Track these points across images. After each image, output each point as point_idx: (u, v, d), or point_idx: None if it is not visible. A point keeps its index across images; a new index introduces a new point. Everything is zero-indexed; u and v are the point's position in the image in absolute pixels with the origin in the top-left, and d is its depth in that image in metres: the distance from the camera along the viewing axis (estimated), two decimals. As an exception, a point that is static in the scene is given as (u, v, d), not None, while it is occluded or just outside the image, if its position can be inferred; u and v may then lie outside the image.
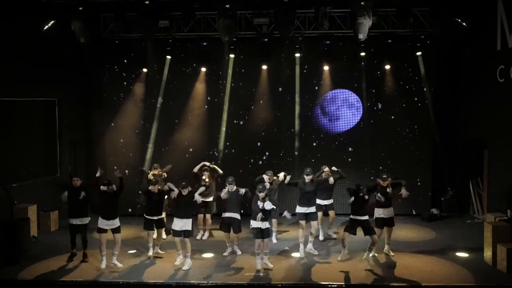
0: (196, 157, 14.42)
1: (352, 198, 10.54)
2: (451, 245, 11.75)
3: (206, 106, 14.78)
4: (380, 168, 14.48)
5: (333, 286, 9.52)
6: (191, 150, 14.72)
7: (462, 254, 11.14)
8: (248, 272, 10.12)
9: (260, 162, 14.48)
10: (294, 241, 12.07)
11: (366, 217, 10.51)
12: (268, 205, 9.98)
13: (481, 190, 14.43)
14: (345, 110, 14.63)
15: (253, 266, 10.31)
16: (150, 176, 12.26)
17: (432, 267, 10.38)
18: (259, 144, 14.73)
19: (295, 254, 11.22)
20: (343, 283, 9.56)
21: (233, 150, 14.72)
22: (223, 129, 14.69)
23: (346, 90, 14.64)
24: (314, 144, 14.67)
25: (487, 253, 10.61)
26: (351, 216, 10.65)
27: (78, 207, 10.77)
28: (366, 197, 10.44)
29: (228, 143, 14.72)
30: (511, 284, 9.58)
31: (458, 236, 12.57)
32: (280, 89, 14.62)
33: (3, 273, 10.10)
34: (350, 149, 14.60)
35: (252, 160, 14.57)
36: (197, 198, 10.61)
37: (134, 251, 11.50)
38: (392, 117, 14.58)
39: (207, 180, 12.27)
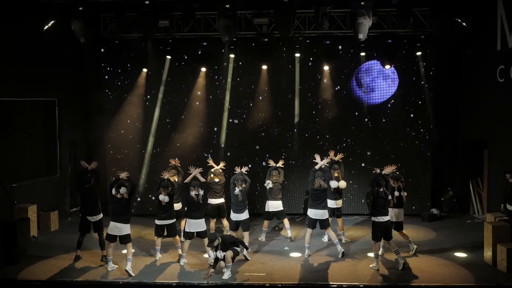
0: (196, 156, 14.44)
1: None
2: (451, 245, 11.75)
3: (206, 106, 14.76)
4: (377, 168, 14.48)
5: (333, 286, 9.52)
6: (191, 149, 14.72)
7: (462, 254, 11.14)
8: (249, 272, 10.12)
9: (260, 168, 14.42)
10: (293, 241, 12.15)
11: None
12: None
13: (481, 190, 14.42)
14: (381, 81, 14.51)
15: (254, 266, 10.40)
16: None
17: (432, 267, 10.38)
18: (257, 147, 14.72)
19: (295, 254, 11.24)
20: (343, 283, 9.56)
21: (231, 152, 14.70)
22: (223, 129, 14.69)
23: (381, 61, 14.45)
24: (313, 144, 14.60)
25: (487, 253, 10.61)
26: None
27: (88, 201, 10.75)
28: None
29: (228, 143, 14.71)
30: (511, 284, 9.59)
31: (458, 236, 12.57)
32: (280, 89, 14.57)
33: (3, 273, 10.11)
34: (347, 147, 14.51)
35: (251, 161, 14.56)
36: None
37: (133, 250, 11.50)
38: (392, 117, 14.58)
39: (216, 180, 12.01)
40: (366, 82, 14.56)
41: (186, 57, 14.54)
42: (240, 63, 14.56)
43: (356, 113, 14.60)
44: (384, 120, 14.58)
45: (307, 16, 13.47)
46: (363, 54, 14.17)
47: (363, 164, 14.56)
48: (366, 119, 14.60)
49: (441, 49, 14.31)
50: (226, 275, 9.78)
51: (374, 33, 13.41)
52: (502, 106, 12.51)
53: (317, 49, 14.21)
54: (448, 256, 11.00)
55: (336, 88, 14.60)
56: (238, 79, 14.63)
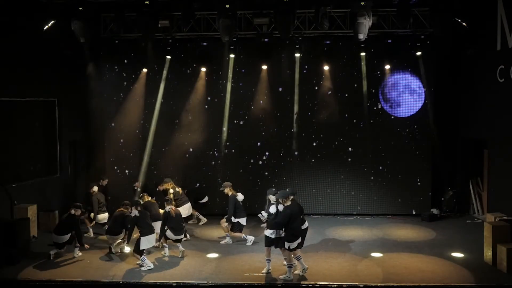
0: (196, 157, 14.49)
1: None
2: (451, 245, 11.74)
3: (206, 106, 14.79)
4: (380, 168, 14.52)
5: (333, 286, 9.52)
6: (191, 150, 14.74)
7: (462, 254, 11.14)
8: (249, 272, 10.13)
9: (260, 162, 14.54)
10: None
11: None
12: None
13: (481, 190, 14.42)
14: (407, 96, 14.53)
15: (253, 266, 10.39)
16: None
17: (432, 267, 10.38)
18: (259, 144, 14.73)
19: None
20: (343, 283, 9.56)
21: (233, 150, 14.73)
22: (224, 129, 14.71)
23: (408, 75, 14.48)
24: (314, 144, 14.65)
25: (487, 253, 10.61)
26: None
27: None
28: None
29: (228, 143, 14.73)
30: (511, 284, 9.59)
31: (458, 236, 12.57)
32: (280, 89, 14.63)
33: (3, 273, 10.10)
34: (350, 149, 14.58)
35: (252, 160, 14.59)
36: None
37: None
38: (392, 117, 14.59)
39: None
40: (392, 96, 14.53)
41: (186, 57, 14.55)
42: (240, 63, 14.56)
43: (356, 113, 14.59)
44: (383, 120, 14.57)
45: (307, 16, 13.47)
46: (363, 54, 14.18)
47: (349, 159, 14.57)
48: (366, 119, 14.59)
49: (441, 49, 14.31)
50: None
51: (374, 33, 13.41)
52: (502, 106, 12.51)
53: (317, 49, 14.21)
54: (448, 256, 11.00)
55: (336, 88, 14.58)
56: (238, 79, 14.64)
